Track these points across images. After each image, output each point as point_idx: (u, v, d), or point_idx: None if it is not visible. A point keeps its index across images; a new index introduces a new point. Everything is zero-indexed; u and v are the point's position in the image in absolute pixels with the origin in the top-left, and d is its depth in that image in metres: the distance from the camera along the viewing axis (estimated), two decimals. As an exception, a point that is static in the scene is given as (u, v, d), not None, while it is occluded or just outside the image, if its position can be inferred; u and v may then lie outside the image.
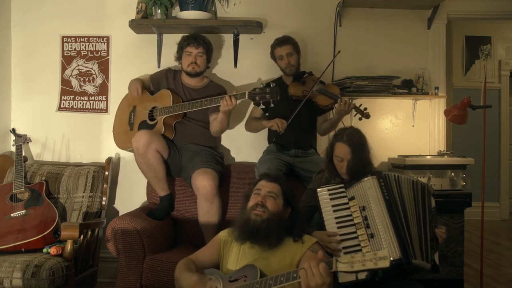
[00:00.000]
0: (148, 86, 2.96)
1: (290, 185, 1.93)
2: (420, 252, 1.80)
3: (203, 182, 2.51)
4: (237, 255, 1.81)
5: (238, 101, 2.54)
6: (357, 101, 3.10)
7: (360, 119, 2.61)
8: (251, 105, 3.00)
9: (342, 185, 1.99)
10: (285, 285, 1.52)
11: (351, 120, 3.02)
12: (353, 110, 2.60)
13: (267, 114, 2.92)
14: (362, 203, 1.89)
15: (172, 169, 2.72)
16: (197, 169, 2.58)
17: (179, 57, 2.87)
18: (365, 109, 2.58)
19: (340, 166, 2.06)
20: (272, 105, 2.50)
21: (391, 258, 1.72)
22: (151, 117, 2.80)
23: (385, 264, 1.32)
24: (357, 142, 2.03)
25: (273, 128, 2.68)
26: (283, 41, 2.82)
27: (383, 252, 1.36)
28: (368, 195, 1.89)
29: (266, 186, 1.85)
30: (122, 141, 2.92)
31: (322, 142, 3.07)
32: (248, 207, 1.82)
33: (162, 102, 2.78)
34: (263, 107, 2.65)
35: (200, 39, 2.80)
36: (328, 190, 1.98)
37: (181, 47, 2.83)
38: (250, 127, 2.97)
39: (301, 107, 2.68)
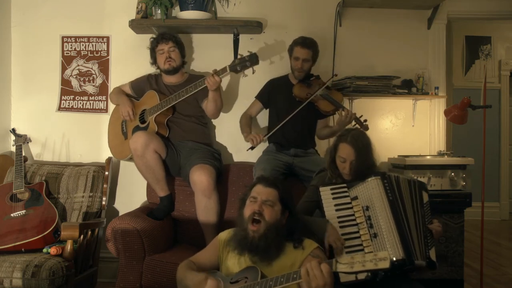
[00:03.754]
0: (129, 94, 2.98)
1: (287, 188, 1.88)
2: (419, 251, 1.81)
3: (200, 177, 2.51)
4: (238, 259, 1.79)
5: (222, 77, 2.60)
6: (357, 101, 3.11)
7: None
8: (252, 99, 3.00)
9: (344, 184, 1.99)
10: (285, 286, 1.52)
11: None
12: (353, 120, 2.61)
13: (267, 109, 2.93)
14: (366, 203, 1.90)
15: (171, 169, 2.72)
16: (194, 165, 2.59)
17: (154, 61, 2.89)
18: (365, 121, 2.59)
19: (342, 166, 2.05)
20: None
21: (394, 259, 1.73)
22: (142, 119, 2.81)
23: (385, 265, 1.32)
24: (361, 143, 2.02)
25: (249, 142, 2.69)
26: (308, 44, 2.75)
27: (383, 253, 1.36)
28: (372, 195, 1.89)
29: (263, 193, 1.78)
30: (119, 151, 2.93)
31: (322, 143, 3.07)
32: (245, 217, 1.77)
33: (150, 103, 2.79)
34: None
35: (167, 35, 2.83)
36: (331, 189, 1.99)
37: (152, 48, 2.86)
38: (240, 123, 2.98)
39: (299, 109, 2.68)
